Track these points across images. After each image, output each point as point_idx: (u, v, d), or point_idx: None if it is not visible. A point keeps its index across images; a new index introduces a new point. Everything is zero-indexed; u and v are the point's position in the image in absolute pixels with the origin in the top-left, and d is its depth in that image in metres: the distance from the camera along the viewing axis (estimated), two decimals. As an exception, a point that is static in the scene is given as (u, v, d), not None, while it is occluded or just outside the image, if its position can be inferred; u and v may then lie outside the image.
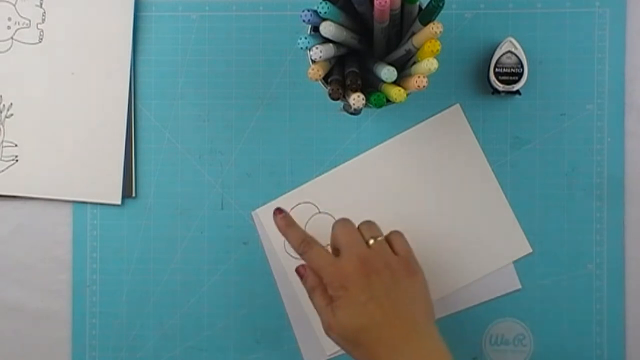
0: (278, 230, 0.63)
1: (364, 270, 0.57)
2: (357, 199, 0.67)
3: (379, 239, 0.60)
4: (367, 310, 0.56)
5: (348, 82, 0.55)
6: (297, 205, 0.68)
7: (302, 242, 0.61)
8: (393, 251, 0.60)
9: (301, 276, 0.61)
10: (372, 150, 0.68)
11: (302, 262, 0.61)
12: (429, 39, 0.53)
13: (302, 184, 0.68)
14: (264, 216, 0.68)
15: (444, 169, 0.67)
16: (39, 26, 0.68)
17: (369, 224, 0.61)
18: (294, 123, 0.68)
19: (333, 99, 0.54)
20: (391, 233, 0.62)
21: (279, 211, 0.63)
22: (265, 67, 0.68)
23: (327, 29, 0.52)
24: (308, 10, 0.52)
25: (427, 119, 0.68)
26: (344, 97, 0.55)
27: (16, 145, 0.68)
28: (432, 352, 0.56)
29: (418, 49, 0.55)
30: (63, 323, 0.69)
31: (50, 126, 0.68)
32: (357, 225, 0.61)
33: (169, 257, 0.69)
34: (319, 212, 0.68)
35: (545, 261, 0.67)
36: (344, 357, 0.68)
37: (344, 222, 0.61)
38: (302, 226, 0.67)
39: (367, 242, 0.60)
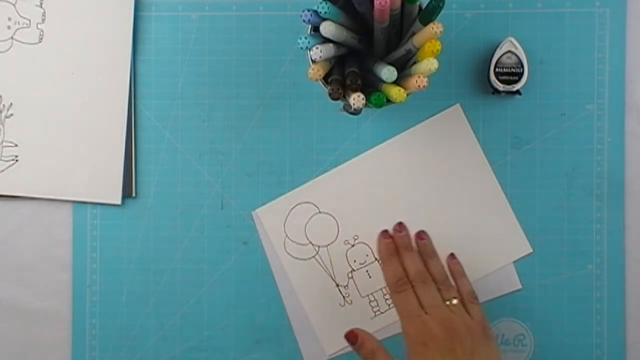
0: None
1: (449, 333, 0.57)
2: (357, 199, 0.67)
3: (455, 302, 0.60)
4: None
5: (348, 82, 0.55)
6: (297, 205, 0.68)
7: (399, 280, 0.61)
8: (468, 314, 0.60)
9: (353, 342, 0.60)
10: (372, 150, 0.68)
11: (304, 264, 0.60)
12: (429, 39, 0.53)
13: (302, 184, 0.68)
14: (264, 216, 0.68)
15: (444, 169, 0.67)
16: (39, 26, 0.68)
17: (447, 284, 0.61)
18: (294, 123, 0.68)
19: (333, 99, 0.54)
20: (465, 295, 0.61)
21: (385, 235, 0.63)
22: (265, 67, 0.68)
23: (327, 29, 0.52)
24: (308, 10, 0.52)
25: (427, 119, 0.68)
26: (344, 97, 0.55)
27: (16, 145, 0.68)
28: None
29: (418, 49, 0.55)
30: (63, 323, 0.69)
31: (50, 126, 0.68)
32: (434, 277, 0.61)
33: (169, 257, 0.69)
34: (319, 212, 0.68)
35: (545, 261, 0.67)
36: (344, 357, 0.68)
37: (423, 280, 0.60)
38: (302, 226, 0.67)
39: (445, 303, 0.60)
